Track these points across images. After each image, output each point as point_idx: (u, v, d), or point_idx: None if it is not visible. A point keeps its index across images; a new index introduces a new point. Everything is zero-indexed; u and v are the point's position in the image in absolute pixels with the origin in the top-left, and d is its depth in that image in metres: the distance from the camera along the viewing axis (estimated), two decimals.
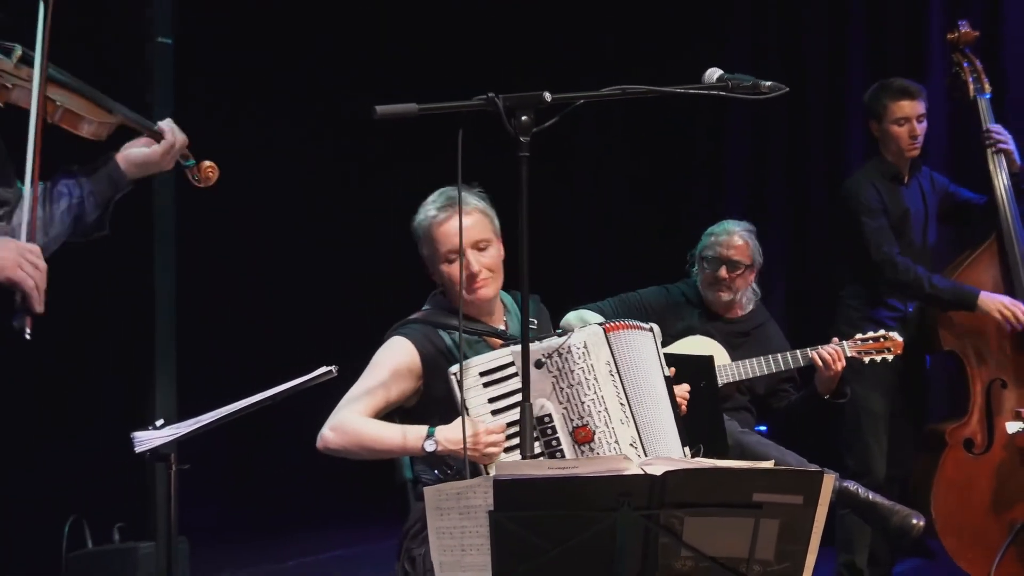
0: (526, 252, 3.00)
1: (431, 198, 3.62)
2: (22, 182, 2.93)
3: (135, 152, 3.13)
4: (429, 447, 3.39)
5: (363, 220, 8.50)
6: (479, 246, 3.55)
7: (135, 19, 4.83)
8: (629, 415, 3.42)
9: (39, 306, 2.77)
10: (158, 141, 3.15)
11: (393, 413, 3.57)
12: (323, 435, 3.50)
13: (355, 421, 3.48)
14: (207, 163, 3.29)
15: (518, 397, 3.29)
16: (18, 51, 2.94)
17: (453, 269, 3.53)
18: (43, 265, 2.80)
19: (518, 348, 3.36)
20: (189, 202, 4.48)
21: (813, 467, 3.73)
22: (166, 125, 3.18)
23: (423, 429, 3.43)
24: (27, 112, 2.88)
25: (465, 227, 3.37)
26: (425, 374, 3.55)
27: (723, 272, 4.96)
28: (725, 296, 4.99)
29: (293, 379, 3.60)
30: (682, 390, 3.63)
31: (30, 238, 2.84)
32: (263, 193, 8.02)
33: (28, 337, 2.77)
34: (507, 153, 2.97)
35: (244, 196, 7.79)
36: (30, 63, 2.92)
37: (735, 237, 4.99)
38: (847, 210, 5.35)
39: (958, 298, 5.14)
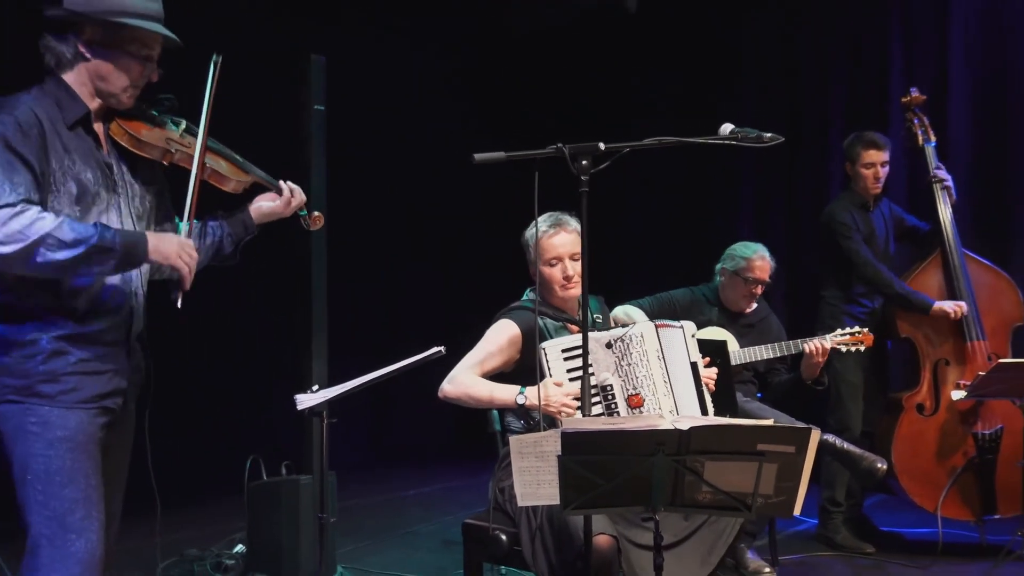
0: (587, 262, 2.99)
1: (541, 218, 3.63)
2: (180, 219, 2.91)
3: (263, 205, 3.09)
4: (520, 400, 3.44)
5: (469, 237, 8.54)
6: (573, 257, 3.61)
7: (294, 90, 4.82)
8: (669, 390, 3.42)
9: (188, 285, 2.76)
10: (280, 195, 3.10)
11: (494, 376, 3.59)
12: (443, 388, 3.55)
13: (468, 378, 3.53)
14: (316, 213, 3.20)
15: (589, 370, 3.29)
16: (183, 124, 2.92)
17: (553, 271, 3.61)
18: (196, 256, 2.80)
19: (592, 333, 3.38)
20: (336, 215, 4.48)
21: (802, 424, 3.68)
22: (285, 186, 3.11)
23: (516, 387, 3.47)
24: (186, 171, 2.85)
25: (567, 241, 3.59)
26: (524, 347, 3.58)
27: (751, 287, 4.90)
28: (747, 303, 4.93)
29: (412, 356, 3.63)
30: (711, 372, 3.58)
31: None
32: (394, 208, 8.08)
33: (179, 306, 2.76)
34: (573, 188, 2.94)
35: (380, 210, 7.86)
36: (193, 133, 2.89)
37: (764, 261, 4.91)
38: (829, 230, 5.28)
39: (918, 303, 5.08)
